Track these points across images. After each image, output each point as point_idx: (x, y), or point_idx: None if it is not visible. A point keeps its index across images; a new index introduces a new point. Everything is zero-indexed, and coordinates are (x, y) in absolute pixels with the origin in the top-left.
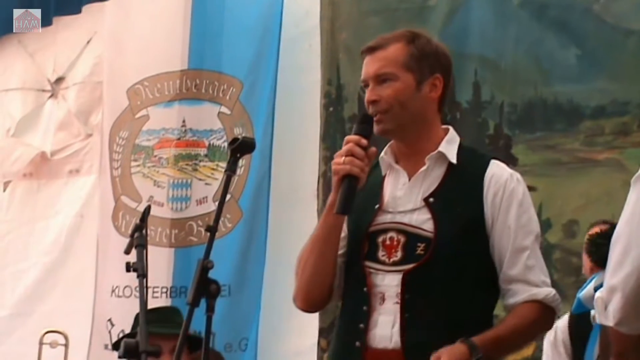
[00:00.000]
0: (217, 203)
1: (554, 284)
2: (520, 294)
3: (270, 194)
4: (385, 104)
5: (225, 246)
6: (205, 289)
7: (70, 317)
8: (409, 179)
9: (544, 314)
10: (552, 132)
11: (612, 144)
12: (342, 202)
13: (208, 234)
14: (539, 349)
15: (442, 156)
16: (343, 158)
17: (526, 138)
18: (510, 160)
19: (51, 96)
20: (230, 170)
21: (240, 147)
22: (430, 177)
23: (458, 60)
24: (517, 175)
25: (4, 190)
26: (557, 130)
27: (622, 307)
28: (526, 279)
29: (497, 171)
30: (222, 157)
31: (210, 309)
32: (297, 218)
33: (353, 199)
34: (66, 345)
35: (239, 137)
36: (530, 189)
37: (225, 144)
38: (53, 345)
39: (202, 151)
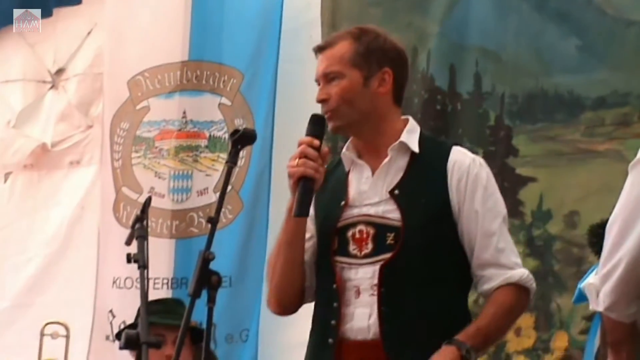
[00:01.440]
0: (217, 194)
1: (555, 275)
2: (494, 279)
3: (271, 185)
4: (334, 103)
5: (226, 237)
6: (207, 280)
7: (70, 308)
8: (373, 173)
9: (520, 296)
10: (552, 123)
11: (613, 135)
12: (299, 205)
13: (209, 225)
14: (539, 340)
15: (404, 146)
16: (296, 160)
17: (527, 129)
18: (511, 152)
19: (52, 87)
20: (232, 162)
21: (241, 139)
22: (394, 169)
23: (459, 52)
24: (480, 159)
25: (5, 182)
26: (557, 121)
27: (613, 290)
28: (498, 262)
29: (459, 157)
30: (223, 148)
31: (211, 300)
32: None
33: (310, 200)
34: (67, 337)
35: (240, 128)
36: (531, 179)
37: (226, 135)
38: (54, 336)
39: (203, 142)
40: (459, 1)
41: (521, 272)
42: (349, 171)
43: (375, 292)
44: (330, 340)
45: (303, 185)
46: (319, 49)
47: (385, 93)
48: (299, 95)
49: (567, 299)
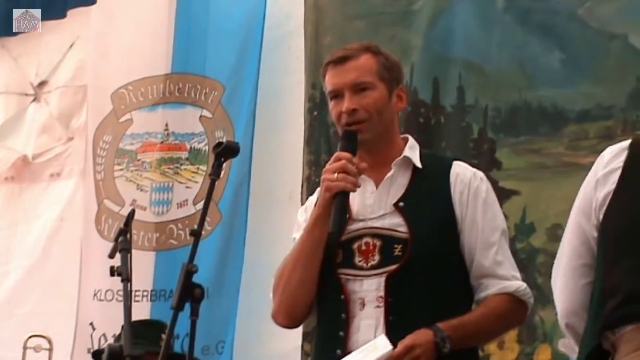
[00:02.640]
0: (197, 206)
1: (538, 288)
2: (491, 287)
3: (249, 197)
4: (365, 113)
5: (204, 249)
6: (190, 293)
7: (50, 320)
8: (376, 187)
9: (515, 307)
10: (536, 136)
11: (597, 148)
12: (338, 221)
13: (188, 237)
14: (523, 353)
15: (407, 161)
16: (336, 175)
17: (510, 142)
18: (494, 165)
19: (34, 100)
20: (215, 175)
21: (225, 152)
22: (397, 183)
23: (442, 65)
24: (480, 173)
25: None
26: (541, 134)
27: (570, 337)
28: (496, 273)
29: (460, 171)
30: (203, 160)
31: (194, 313)
32: (275, 221)
33: (346, 217)
34: (50, 349)
35: (223, 141)
36: (514, 193)
37: (206, 148)
38: (37, 349)
39: (184, 155)
40: (443, 14)
41: (518, 284)
42: None
43: (382, 304)
44: (338, 351)
45: (341, 201)
46: (339, 61)
47: (400, 110)
48: (279, 106)
49: (550, 312)
